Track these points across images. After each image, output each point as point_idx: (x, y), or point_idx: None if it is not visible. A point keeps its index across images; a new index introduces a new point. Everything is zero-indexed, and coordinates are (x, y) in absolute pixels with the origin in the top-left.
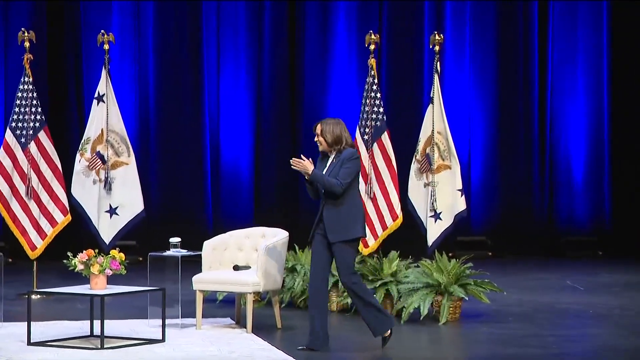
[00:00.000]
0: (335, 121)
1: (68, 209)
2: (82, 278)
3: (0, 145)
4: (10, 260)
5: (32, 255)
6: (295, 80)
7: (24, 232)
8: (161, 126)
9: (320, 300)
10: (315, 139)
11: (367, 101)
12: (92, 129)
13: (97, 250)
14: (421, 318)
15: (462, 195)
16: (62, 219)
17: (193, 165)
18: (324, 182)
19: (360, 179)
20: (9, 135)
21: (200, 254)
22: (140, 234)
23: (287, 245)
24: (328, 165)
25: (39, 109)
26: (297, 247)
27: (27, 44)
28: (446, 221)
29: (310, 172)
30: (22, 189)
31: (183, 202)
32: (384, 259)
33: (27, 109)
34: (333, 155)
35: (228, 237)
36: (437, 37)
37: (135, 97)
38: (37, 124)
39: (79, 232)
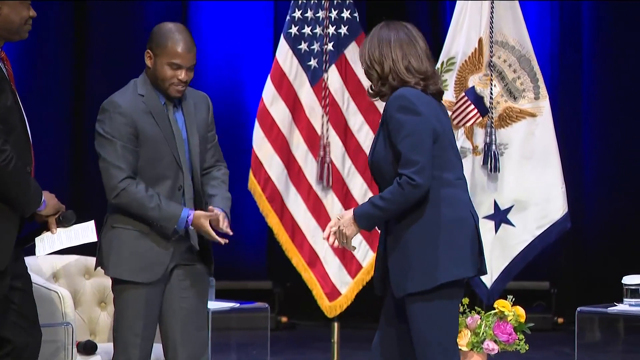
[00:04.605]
0: (383, 30)
1: None
2: None
3: (268, 75)
4: (284, 319)
5: (330, 310)
6: None
7: (313, 260)
8: (618, 48)
9: None
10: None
11: None
12: (459, 41)
13: (467, 301)
14: None
15: None
16: None
17: None
18: (385, 211)
19: None
20: (282, 53)
21: None
22: (554, 265)
23: None
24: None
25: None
26: None
27: None
28: None
29: (354, 221)
30: (309, 168)
31: None
32: None
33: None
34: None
35: None
36: None
37: None
38: (345, 31)
39: None
